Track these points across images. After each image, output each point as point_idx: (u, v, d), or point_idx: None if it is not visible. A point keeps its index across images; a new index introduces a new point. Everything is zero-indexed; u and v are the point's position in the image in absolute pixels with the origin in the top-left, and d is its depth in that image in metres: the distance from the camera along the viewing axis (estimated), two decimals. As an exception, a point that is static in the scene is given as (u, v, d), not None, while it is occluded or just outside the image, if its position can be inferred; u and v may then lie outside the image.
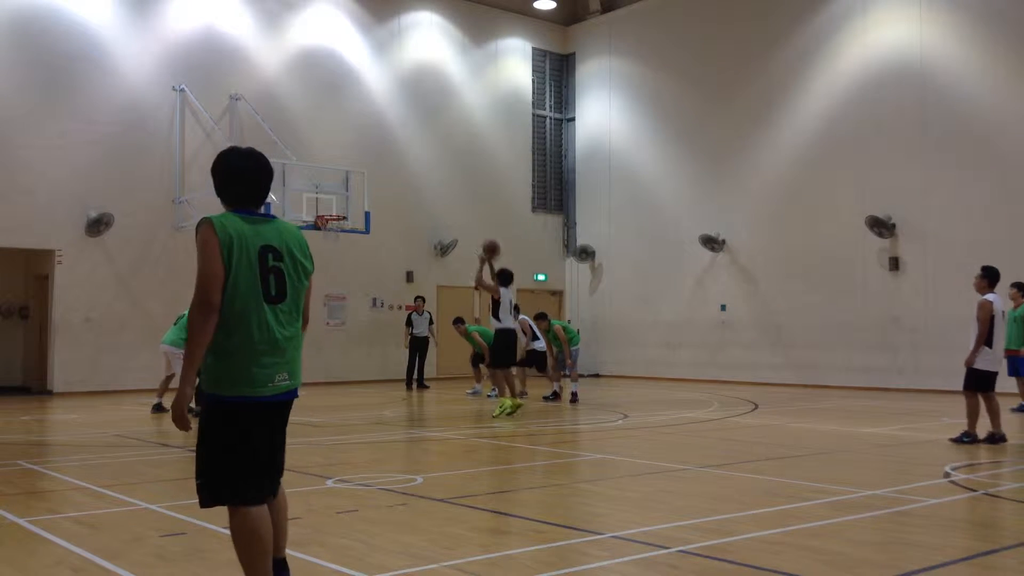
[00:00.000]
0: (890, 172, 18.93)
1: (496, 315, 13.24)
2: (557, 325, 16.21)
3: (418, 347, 19.39)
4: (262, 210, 3.96)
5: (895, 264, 18.79)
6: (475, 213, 23.80)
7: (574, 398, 15.31)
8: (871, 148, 19.24)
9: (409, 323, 19.35)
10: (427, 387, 19.15)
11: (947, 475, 7.83)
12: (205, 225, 3.71)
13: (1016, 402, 13.94)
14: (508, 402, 12.90)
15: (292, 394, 3.91)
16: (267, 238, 3.81)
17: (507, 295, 13.31)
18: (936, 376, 17.83)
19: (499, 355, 13.25)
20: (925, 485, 7.38)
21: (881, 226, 18.71)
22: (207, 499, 3.82)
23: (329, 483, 7.38)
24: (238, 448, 3.76)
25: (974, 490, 7.19)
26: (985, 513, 6.52)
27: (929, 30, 18.55)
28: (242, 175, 3.89)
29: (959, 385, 16.70)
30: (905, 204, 18.67)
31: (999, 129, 17.53)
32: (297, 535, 5.52)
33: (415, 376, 19.33)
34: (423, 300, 19.60)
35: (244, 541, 3.79)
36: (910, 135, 18.69)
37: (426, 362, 19.82)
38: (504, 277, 13.41)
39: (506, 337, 13.23)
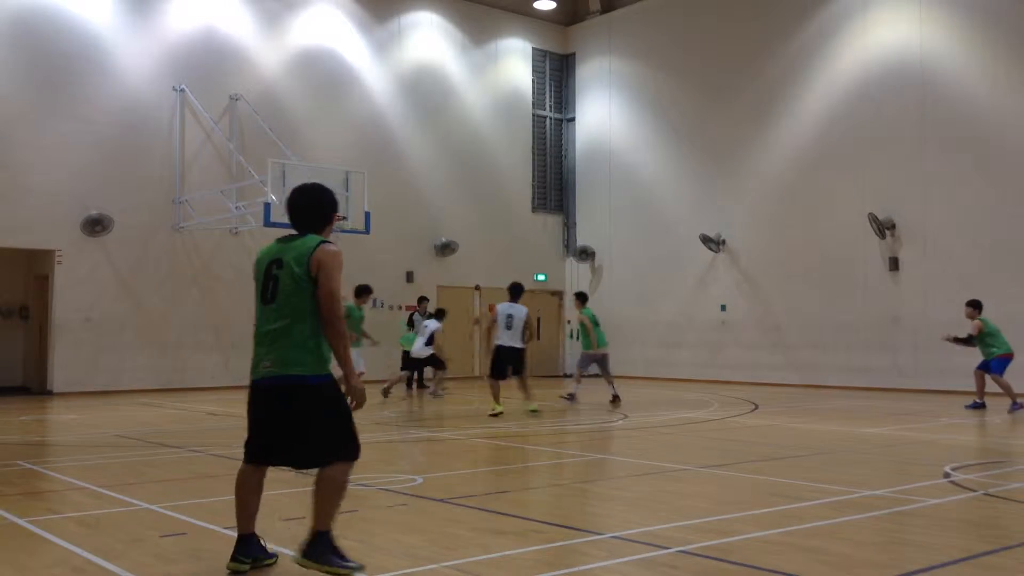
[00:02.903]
0: (890, 172, 18.93)
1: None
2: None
3: None
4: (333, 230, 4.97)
5: (895, 264, 18.80)
6: (475, 213, 23.81)
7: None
8: (871, 148, 19.24)
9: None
10: (427, 387, 19.15)
11: (947, 475, 7.83)
12: None
13: (1007, 403, 13.99)
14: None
15: (279, 380, 4.54)
16: (279, 253, 4.67)
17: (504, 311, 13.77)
18: (936, 376, 17.84)
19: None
20: (925, 485, 7.38)
21: (881, 226, 18.72)
22: None
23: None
24: (247, 418, 4.75)
25: (974, 490, 7.19)
26: (985, 513, 6.52)
27: (929, 30, 18.56)
28: (287, 207, 4.88)
29: (958, 385, 16.85)
30: (905, 204, 18.67)
31: (999, 129, 17.54)
32: (297, 535, 5.52)
33: (415, 376, 19.34)
34: (427, 300, 19.55)
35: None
36: (910, 135, 18.69)
37: (425, 362, 19.81)
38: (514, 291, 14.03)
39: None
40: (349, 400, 4.62)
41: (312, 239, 4.67)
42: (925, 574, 4.69)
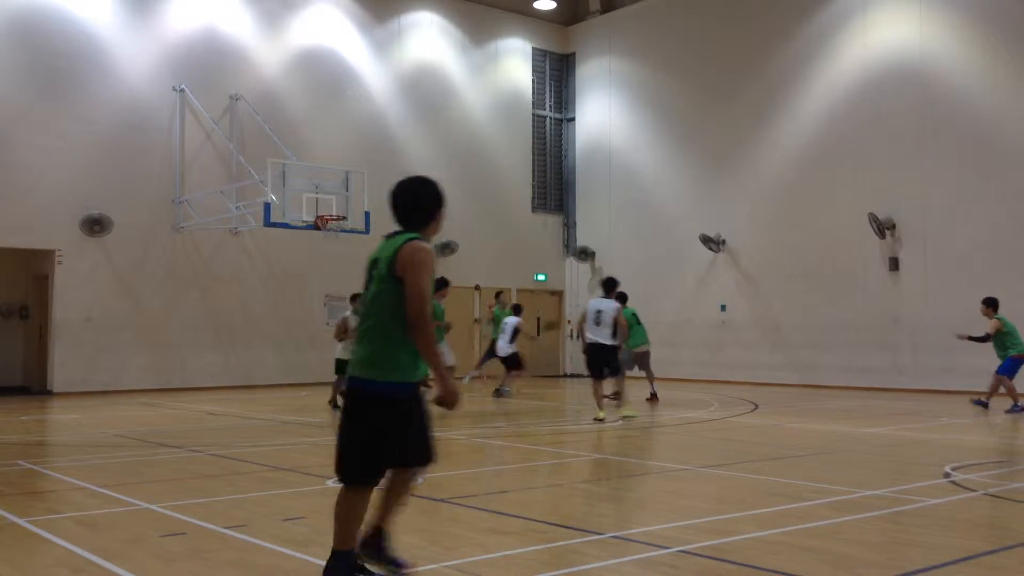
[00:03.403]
0: (890, 172, 18.93)
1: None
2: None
3: None
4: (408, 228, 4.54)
5: (895, 264, 18.79)
6: (475, 213, 23.79)
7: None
8: (871, 148, 19.24)
9: None
10: (430, 388, 18.95)
11: (947, 475, 7.83)
12: None
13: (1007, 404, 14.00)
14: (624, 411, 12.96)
15: (356, 382, 4.33)
16: (378, 252, 4.46)
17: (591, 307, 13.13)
18: (936, 376, 17.83)
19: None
20: (925, 485, 7.37)
21: (881, 226, 18.73)
22: None
23: (329, 483, 7.37)
24: None
25: (974, 490, 7.19)
26: (985, 513, 6.52)
27: (929, 30, 18.56)
28: (389, 202, 4.63)
29: (959, 385, 16.85)
30: (905, 204, 18.66)
31: (999, 129, 17.54)
32: (297, 535, 5.52)
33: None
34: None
35: None
36: (910, 135, 18.69)
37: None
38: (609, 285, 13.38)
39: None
40: (439, 401, 4.33)
41: (400, 238, 4.40)
42: (925, 574, 4.69)
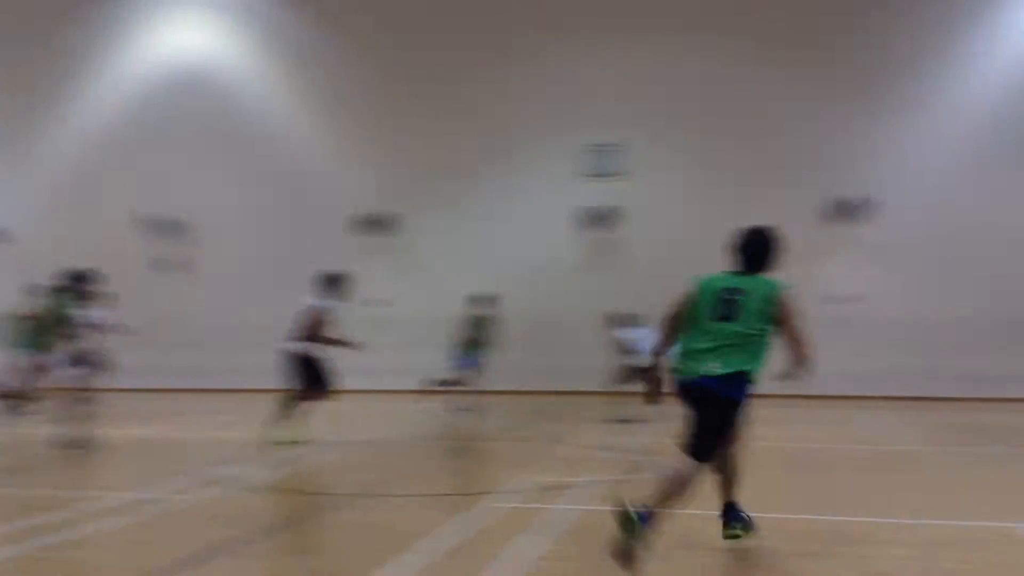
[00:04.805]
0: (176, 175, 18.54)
1: None
2: None
3: None
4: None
5: (164, 265, 18.43)
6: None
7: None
8: (163, 150, 18.71)
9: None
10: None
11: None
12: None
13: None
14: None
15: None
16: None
17: None
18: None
19: None
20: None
21: (156, 226, 18.25)
22: None
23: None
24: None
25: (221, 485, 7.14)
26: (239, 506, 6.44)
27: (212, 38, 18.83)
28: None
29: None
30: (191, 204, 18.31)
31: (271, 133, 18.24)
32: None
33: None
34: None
35: None
36: (199, 137, 18.63)
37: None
38: None
39: None
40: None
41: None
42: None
